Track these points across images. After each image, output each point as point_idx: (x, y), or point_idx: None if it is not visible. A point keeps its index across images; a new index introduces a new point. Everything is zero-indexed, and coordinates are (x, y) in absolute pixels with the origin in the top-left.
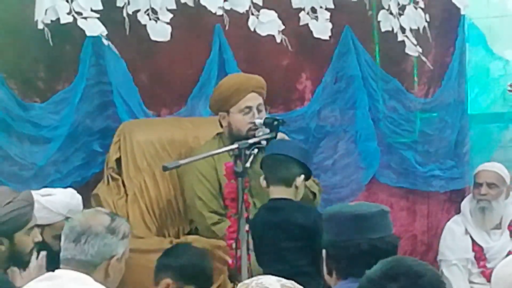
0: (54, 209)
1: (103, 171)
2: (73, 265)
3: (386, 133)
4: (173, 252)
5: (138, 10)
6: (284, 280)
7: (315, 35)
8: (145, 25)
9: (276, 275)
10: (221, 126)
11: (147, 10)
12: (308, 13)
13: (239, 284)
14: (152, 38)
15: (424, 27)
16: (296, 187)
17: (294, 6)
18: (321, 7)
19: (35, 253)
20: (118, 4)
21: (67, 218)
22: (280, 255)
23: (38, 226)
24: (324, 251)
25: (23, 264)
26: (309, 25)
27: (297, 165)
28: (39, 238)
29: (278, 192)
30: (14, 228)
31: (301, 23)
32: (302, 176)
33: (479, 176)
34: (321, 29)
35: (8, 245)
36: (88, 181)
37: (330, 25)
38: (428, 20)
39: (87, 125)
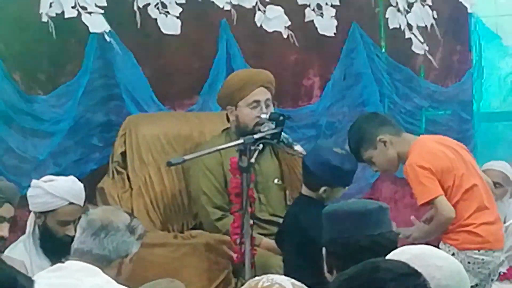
0: (57, 194)
1: (102, 165)
2: (88, 258)
3: None
4: None
5: (148, 4)
6: (293, 280)
7: (320, 32)
8: (154, 19)
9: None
10: (228, 120)
11: (157, 4)
12: (313, 10)
13: (250, 280)
14: (164, 31)
15: (432, 25)
16: (324, 192)
17: (300, 2)
18: (326, 4)
19: None
20: None
21: (70, 204)
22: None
23: (41, 213)
24: (324, 249)
25: None
26: (314, 21)
27: (320, 178)
28: (4, 233)
29: (305, 190)
30: None
31: (306, 20)
32: (323, 188)
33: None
34: (326, 26)
35: None
36: (87, 175)
37: (335, 22)
38: (435, 17)
39: (88, 119)
